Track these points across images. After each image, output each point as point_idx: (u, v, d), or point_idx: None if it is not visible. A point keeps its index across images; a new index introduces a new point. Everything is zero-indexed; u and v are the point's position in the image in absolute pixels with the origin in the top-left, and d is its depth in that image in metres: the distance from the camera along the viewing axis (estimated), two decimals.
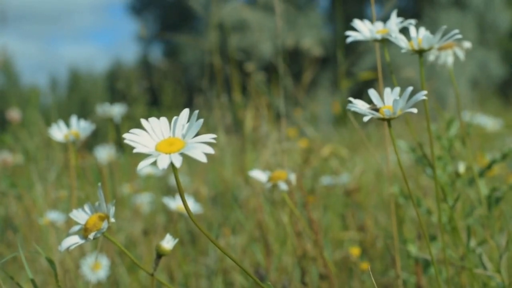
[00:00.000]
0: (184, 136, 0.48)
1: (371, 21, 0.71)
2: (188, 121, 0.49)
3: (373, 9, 0.77)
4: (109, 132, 1.58)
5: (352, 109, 0.56)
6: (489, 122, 1.61)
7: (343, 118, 2.15)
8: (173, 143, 0.48)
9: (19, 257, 1.16)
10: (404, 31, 0.68)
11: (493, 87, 8.05)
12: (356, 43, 0.78)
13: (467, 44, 0.80)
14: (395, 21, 0.68)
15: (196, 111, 0.48)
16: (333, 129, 3.25)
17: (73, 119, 0.94)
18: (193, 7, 9.15)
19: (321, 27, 8.92)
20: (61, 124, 0.94)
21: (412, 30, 0.66)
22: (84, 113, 0.99)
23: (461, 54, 0.80)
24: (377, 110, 0.56)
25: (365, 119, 0.54)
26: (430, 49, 0.63)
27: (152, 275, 0.59)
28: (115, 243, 0.55)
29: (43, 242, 1.19)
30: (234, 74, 1.80)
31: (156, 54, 10.97)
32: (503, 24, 8.83)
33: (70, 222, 1.14)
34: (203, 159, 0.44)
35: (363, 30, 0.69)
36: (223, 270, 1.15)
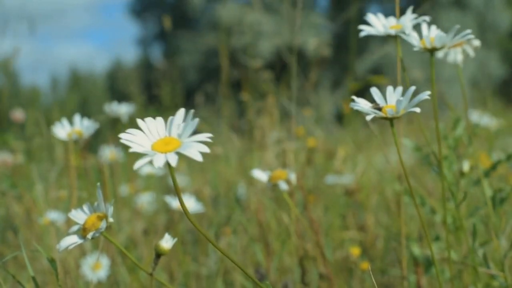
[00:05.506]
0: (180, 135, 0.49)
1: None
2: (184, 120, 0.49)
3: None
4: (117, 131, 1.57)
5: (355, 108, 0.55)
6: (492, 122, 1.60)
7: (345, 117, 2.14)
8: (169, 143, 0.48)
9: (19, 257, 1.16)
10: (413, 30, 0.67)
11: (493, 87, 8.05)
12: (357, 43, 0.78)
13: (477, 42, 0.80)
14: (410, 17, 0.66)
15: (192, 111, 0.48)
16: (335, 128, 3.25)
17: (77, 118, 0.93)
18: (193, 9, 9.15)
19: (321, 27, 8.93)
20: (65, 122, 0.93)
21: (425, 28, 0.66)
22: (85, 113, 0.99)
23: (471, 52, 0.80)
24: (379, 109, 0.55)
25: (368, 118, 0.54)
26: (442, 48, 0.62)
27: (151, 274, 0.58)
28: (114, 243, 0.54)
29: (43, 242, 1.19)
30: (242, 73, 1.80)
31: (156, 55, 10.98)
32: (503, 24, 8.84)
33: (70, 222, 1.14)
34: (199, 158, 0.44)
35: (377, 25, 0.67)
36: (224, 270, 1.14)
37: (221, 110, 1.95)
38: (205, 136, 0.46)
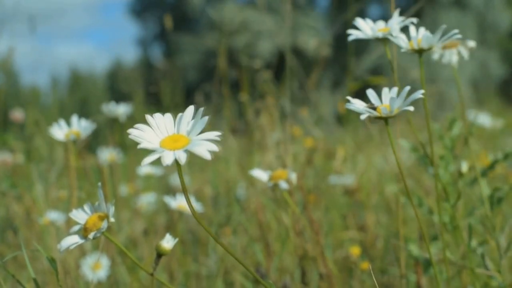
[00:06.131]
0: (189, 133, 0.48)
1: (373, 20, 0.70)
2: (193, 118, 0.49)
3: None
4: (115, 132, 1.58)
5: (350, 107, 0.56)
6: (487, 121, 1.61)
7: (345, 117, 2.15)
8: (178, 140, 0.47)
9: (19, 257, 1.16)
10: (406, 31, 0.68)
11: (493, 87, 8.06)
12: (357, 43, 0.78)
13: (472, 43, 0.81)
14: (397, 20, 0.67)
15: (202, 108, 0.48)
16: (335, 128, 3.25)
17: (74, 118, 0.94)
18: (193, 9, 9.16)
19: (320, 27, 8.93)
20: (62, 123, 0.94)
21: (412, 30, 0.66)
22: (85, 113, 0.99)
23: (465, 53, 0.80)
24: (374, 108, 0.56)
25: (362, 117, 0.54)
26: (430, 48, 0.63)
27: (152, 274, 0.58)
28: (115, 243, 0.55)
29: (43, 242, 1.19)
30: (241, 74, 1.80)
31: (156, 55, 10.98)
32: (503, 24, 8.85)
33: (70, 222, 1.14)
34: (208, 156, 0.44)
35: (365, 28, 0.68)
36: (224, 270, 1.15)
37: (220, 110, 1.95)
38: (214, 135, 0.46)
